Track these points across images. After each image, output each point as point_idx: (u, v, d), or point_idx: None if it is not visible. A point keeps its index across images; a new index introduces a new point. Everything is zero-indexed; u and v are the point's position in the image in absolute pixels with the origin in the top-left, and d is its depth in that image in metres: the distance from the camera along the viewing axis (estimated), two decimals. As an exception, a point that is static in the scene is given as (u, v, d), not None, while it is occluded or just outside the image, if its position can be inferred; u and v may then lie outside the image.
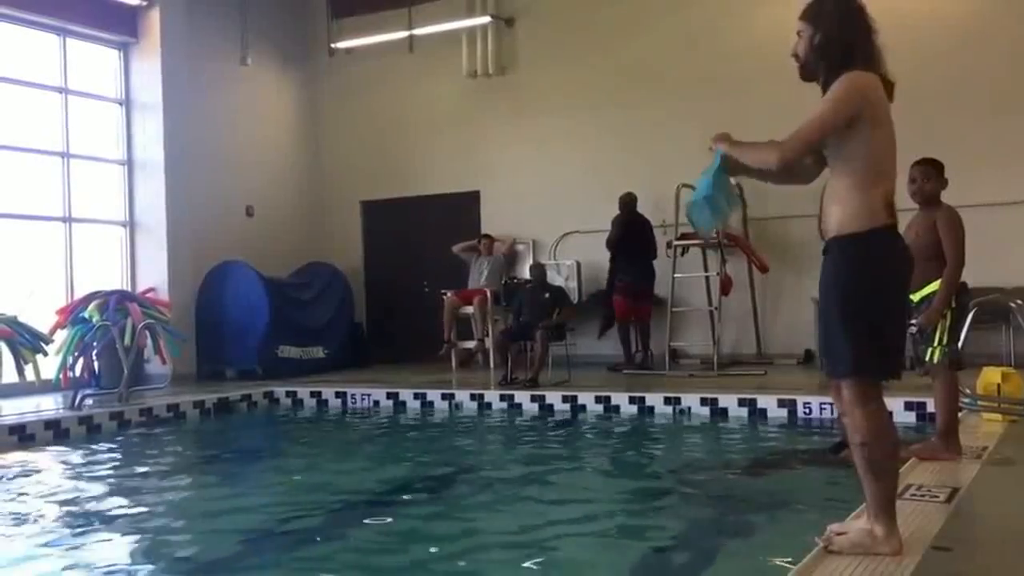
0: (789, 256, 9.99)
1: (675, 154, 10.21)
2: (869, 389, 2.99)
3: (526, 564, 3.73)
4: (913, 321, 4.63)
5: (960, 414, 4.97)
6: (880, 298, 2.97)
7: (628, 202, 9.89)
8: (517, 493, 5.08)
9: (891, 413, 6.39)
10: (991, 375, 5.72)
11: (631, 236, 9.79)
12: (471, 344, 10.49)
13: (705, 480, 5.24)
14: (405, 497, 5.06)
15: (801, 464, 5.20)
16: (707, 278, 9.99)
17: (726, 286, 9.56)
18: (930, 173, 4.59)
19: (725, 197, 3.19)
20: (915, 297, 4.61)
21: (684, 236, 9.75)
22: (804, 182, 3.29)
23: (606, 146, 10.84)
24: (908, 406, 6.55)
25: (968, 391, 5.61)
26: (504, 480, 5.48)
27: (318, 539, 4.24)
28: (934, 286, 4.50)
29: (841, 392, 3.03)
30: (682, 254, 9.84)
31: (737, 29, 10.39)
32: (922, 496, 3.83)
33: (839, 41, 3.09)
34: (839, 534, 3.07)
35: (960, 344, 4.62)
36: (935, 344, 4.53)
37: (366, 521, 4.53)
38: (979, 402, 5.69)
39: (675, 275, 9.70)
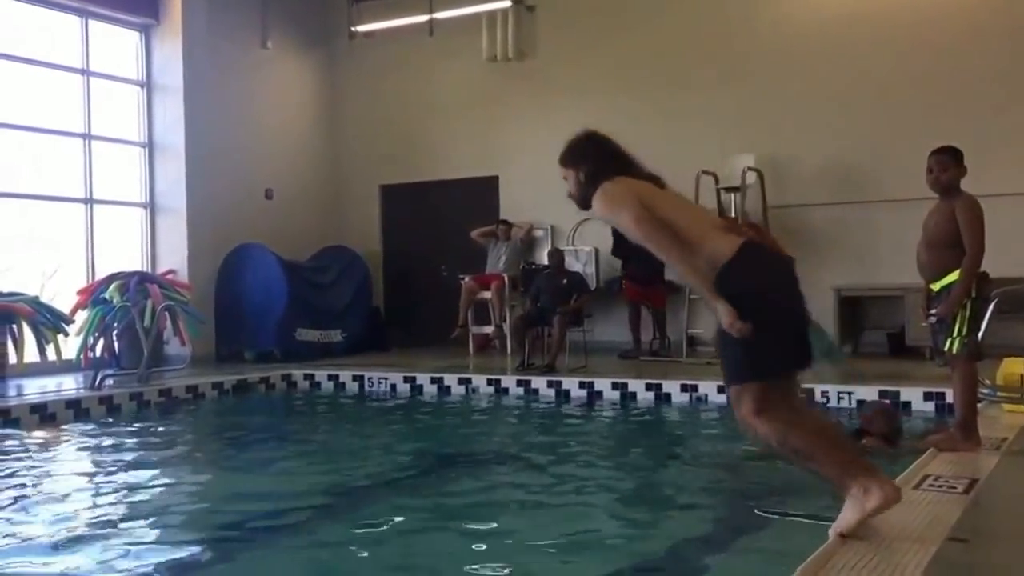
0: (808, 245, 9.91)
1: (695, 141, 10.20)
2: (756, 396, 3.07)
3: (543, 548, 3.75)
4: (932, 311, 4.60)
5: (980, 405, 4.94)
6: (756, 311, 3.00)
7: None
8: (531, 477, 5.09)
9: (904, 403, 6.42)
10: (1012, 366, 5.68)
11: None
12: (489, 329, 10.50)
13: (719, 469, 5.23)
14: (420, 479, 5.08)
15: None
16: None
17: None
18: (946, 162, 4.52)
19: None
20: (935, 287, 4.58)
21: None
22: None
23: (625, 133, 10.60)
24: (927, 396, 6.53)
25: (988, 382, 5.58)
26: (518, 464, 5.49)
27: (331, 521, 4.26)
28: (953, 276, 4.47)
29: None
30: (701, 241, 9.79)
31: (757, 17, 10.31)
32: (940, 487, 3.81)
33: (598, 171, 3.57)
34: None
35: (981, 335, 4.58)
36: (954, 334, 4.48)
37: (368, 509, 4.56)
38: (999, 393, 5.65)
39: (694, 262, 9.64)
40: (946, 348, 4.54)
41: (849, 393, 6.83)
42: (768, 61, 10.11)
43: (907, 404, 6.56)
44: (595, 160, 3.62)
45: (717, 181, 9.85)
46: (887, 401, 6.26)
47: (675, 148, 10.28)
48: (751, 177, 9.67)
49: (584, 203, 3.56)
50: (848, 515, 3.05)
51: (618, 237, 9.80)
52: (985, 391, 5.50)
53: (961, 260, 4.42)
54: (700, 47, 10.52)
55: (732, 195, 9.74)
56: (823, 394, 6.91)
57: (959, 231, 4.42)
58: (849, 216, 9.78)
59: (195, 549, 3.87)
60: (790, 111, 10.01)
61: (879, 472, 3.09)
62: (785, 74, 10.04)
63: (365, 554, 3.74)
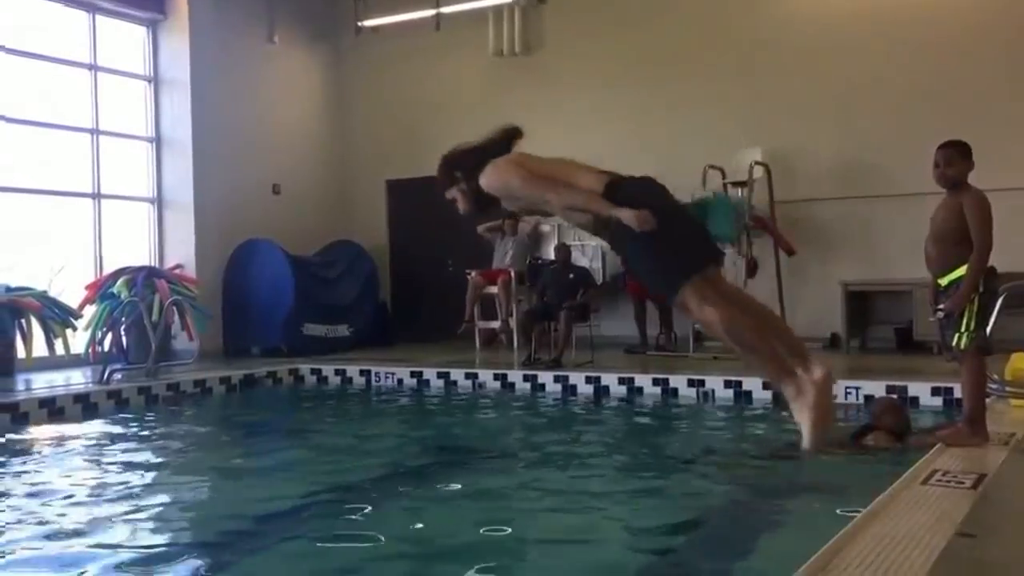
0: (815, 239, 9.92)
1: (702, 135, 10.19)
2: (694, 294, 3.30)
3: (552, 543, 3.75)
4: (940, 306, 4.59)
5: (988, 400, 4.93)
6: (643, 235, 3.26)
7: None
8: (538, 472, 5.09)
9: (911, 398, 6.40)
10: (1020, 361, 5.66)
11: None
12: (495, 324, 10.51)
13: (725, 466, 5.21)
14: (427, 472, 5.09)
15: (825, 449, 5.16)
16: (733, 261, 9.93)
17: (752, 269, 9.51)
18: (951, 157, 4.50)
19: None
20: (943, 282, 4.57)
21: (710, 218, 9.70)
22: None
23: (632, 127, 10.78)
24: (935, 391, 6.51)
25: (996, 377, 5.56)
26: (525, 458, 5.50)
27: (337, 516, 4.27)
28: (961, 271, 4.45)
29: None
30: (708, 236, 9.77)
31: (765, 10, 10.29)
32: (948, 482, 3.80)
33: (472, 169, 3.78)
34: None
35: (988, 330, 4.57)
36: (962, 330, 4.47)
37: (379, 498, 4.57)
38: (1007, 388, 5.64)
39: (700, 257, 9.62)
40: (954, 343, 4.52)
41: (857, 388, 6.81)
42: (776, 55, 10.09)
43: (915, 399, 6.54)
44: (461, 165, 3.79)
45: (724, 175, 9.83)
46: (895, 396, 6.25)
47: (682, 142, 10.31)
48: (758, 171, 9.65)
49: (479, 204, 3.80)
50: (805, 431, 3.22)
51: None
52: (993, 386, 5.48)
53: (969, 255, 4.40)
54: (708, 41, 10.49)
55: (739, 189, 9.72)
56: (830, 389, 6.89)
57: (967, 226, 4.41)
58: (857, 211, 9.75)
59: (200, 544, 3.88)
60: (798, 105, 9.99)
61: (806, 363, 3.27)
62: (793, 68, 10.02)
63: (371, 548, 3.75)
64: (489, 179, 3.63)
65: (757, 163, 9.60)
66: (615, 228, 3.36)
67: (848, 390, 6.79)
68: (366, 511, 4.31)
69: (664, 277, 3.38)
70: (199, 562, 3.61)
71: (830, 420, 3.34)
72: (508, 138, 3.84)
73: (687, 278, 3.29)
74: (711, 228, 3.94)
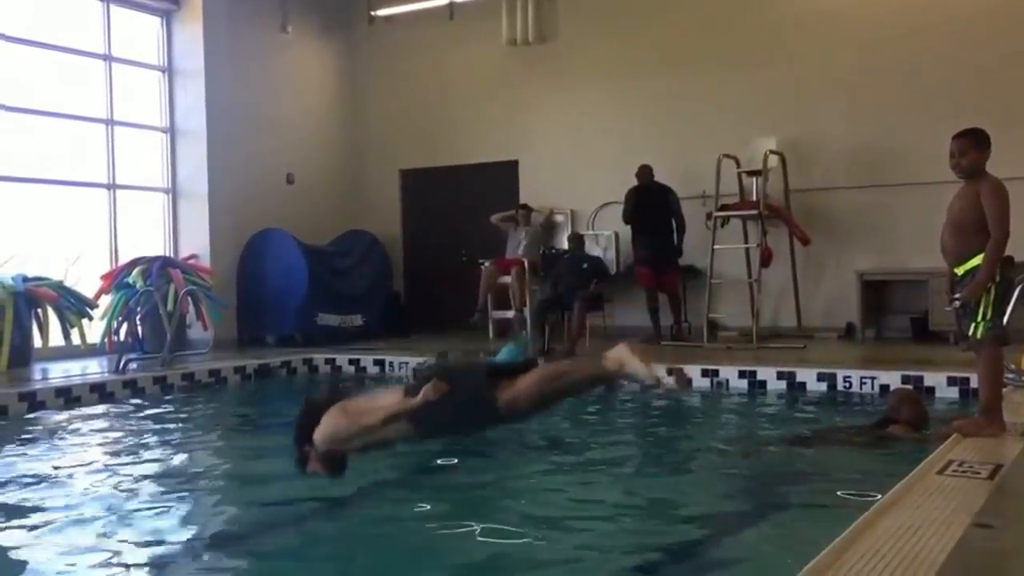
0: (830, 228, 9.87)
1: (716, 125, 10.15)
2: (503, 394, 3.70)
3: (567, 533, 3.75)
4: (956, 296, 4.56)
5: (1004, 390, 4.90)
6: None
7: (641, 174, 9.80)
8: (550, 462, 5.09)
9: (928, 388, 6.37)
10: (1037, 351, 5.63)
11: (645, 208, 9.71)
12: (510, 314, 10.51)
13: (742, 454, 5.20)
14: (438, 463, 5.09)
15: (842, 440, 5.14)
16: (747, 250, 9.91)
17: (766, 258, 9.47)
18: (965, 147, 4.45)
19: None
20: (959, 271, 4.53)
21: (724, 207, 9.67)
22: None
23: (646, 117, 10.75)
24: (951, 381, 6.48)
25: (1013, 367, 5.53)
26: (536, 448, 5.49)
27: (347, 506, 4.27)
28: (977, 260, 4.41)
29: None
30: (722, 225, 9.76)
31: (781, 2, 10.24)
32: (964, 472, 3.78)
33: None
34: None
35: (1005, 319, 4.54)
36: (979, 319, 4.44)
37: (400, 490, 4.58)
38: (1024, 378, 5.61)
39: (715, 246, 9.62)
40: (970, 333, 4.49)
41: (872, 378, 6.79)
42: (790, 44, 10.02)
43: (931, 389, 6.51)
44: (304, 435, 3.90)
45: (739, 164, 9.79)
46: (911, 387, 6.22)
47: (697, 131, 10.27)
48: (773, 160, 9.61)
49: (332, 463, 3.93)
50: (638, 367, 3.61)
51: (632, 201, 9.80)
52: (1010, 376, 5.45)
53: (986, 244, 4.36)
54: (721, 31, 10.43)
55: (754, 179, 9.69)
56: (846, 378, 6.88)
57: (984, 215, 4.37)
58: (873, 200, 9.70)
59: (210, 532, 3.88)
60: (812, 94, 9.92)
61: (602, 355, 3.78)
62: (807, 57, 9.95)
63: (381, 538, 3.77)
64: (322, 433, 3.79)
65: (772, 152, 9.55)
66: (422, 414, 3.66)
67: (864, 380, 6.77)
68: (381, 505, 4.32)
69: (476, 406, 3.72)
70: (211, 553, 3.63)
71: (645, 350, 3.78)
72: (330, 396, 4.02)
73: (493, 387, 3.69)
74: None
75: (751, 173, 9.69)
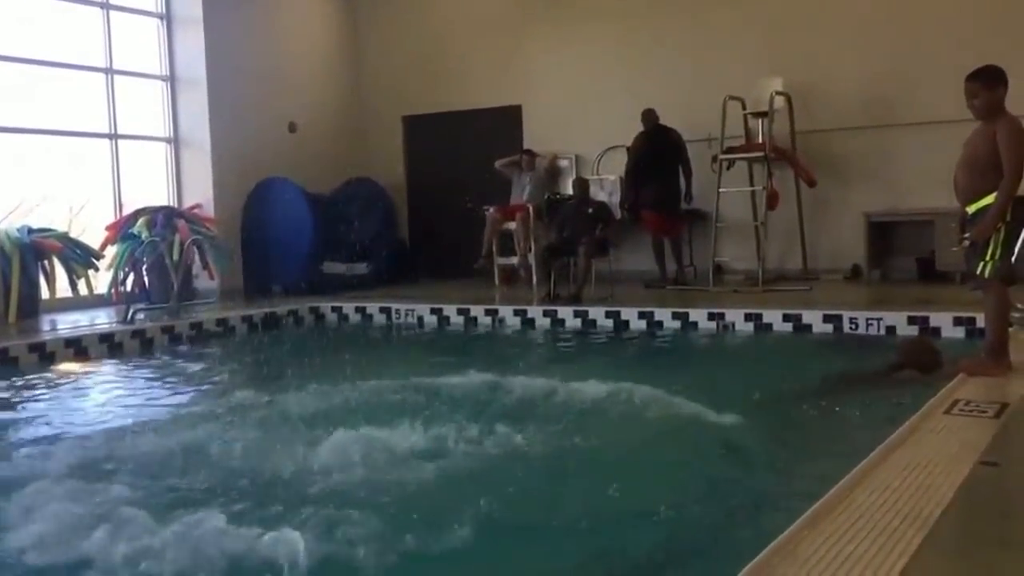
0: (837, 170, 9.80)
1: (722, 65, 10.02)
2: None
3: (588, 486, 3.76)
4: (966, 234, 4.55)
5: (1011, 330, 4.90)
6: None
7: (646, 118, 9.72)
8: (561, 414, 5.06)
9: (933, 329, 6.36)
10: (1045, 291, 5.61)
11: (653, 154, 9.64)
12: (514, 260, 10.50)
13: (755, 401, 5.18)
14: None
15: (853, 386, 5.12)
16: (753, 192, 9.86)
17: (772, 200, 9.43)
18: (976, 89, 4.41)
19: None
20: (970, 209, 4.51)
21: (730, 150, 9.60)
22: None
23: (651, 58, 10.61)
24: (957, 321, 6.49)
25: (1020, 306, 5.52)
26: (546, 400, 5.48)
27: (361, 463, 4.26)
28: (989, 199, 4.39)
29: None
30: (728, 168, 9.70)
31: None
32: (970, 411, 3.81)
33: None
34: None
35: (1014, 259, 4.53)
36: (987, 258, 4.43)
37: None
38: (1031, 318, 5.60)
39: (720, 189, 9.57)
40: (978, 271, 4.49)
41: (879, 319, 6.79)
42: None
43: (936, 329, 6.52)
44: None
45: (744, 106, 9.70)
46: (923, 332, 6.20)
47: (702, 73, 10.15)
48: (779, 102, 9.51)
49: None
50: None
51: (641, 145, 9.73)
52: (1017, 315, 5.45)
53: (999, 183, 4.34)
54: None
55: (760, 120, 9.60)
56: (851, 320, 6.89)
57: (998, 154, 4.33)
58: (879, 140, 9.61)
59: (219, 488, 3.83)
60: (819, 34, 9.79)
61: None
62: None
63: (397, 491, 3.77)
64: None
65: (778, 93, 9.45)
66: None
67: (870, 321, 6.78)
68: (390, 459, 4.28)
69: None
70: (221, 508, 3.60)
71: None
72: None
73: None
74: None
75: (757, 115, 9.60)
